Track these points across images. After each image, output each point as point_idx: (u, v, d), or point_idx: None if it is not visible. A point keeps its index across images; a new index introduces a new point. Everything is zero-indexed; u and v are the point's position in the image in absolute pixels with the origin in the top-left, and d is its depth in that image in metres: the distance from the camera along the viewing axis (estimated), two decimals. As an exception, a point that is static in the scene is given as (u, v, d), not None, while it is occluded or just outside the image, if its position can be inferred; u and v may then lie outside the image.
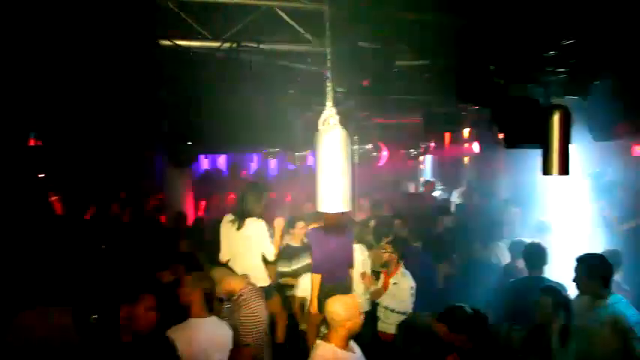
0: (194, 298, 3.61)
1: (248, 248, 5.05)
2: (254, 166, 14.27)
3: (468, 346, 3.27)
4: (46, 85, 6.11)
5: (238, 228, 5.03)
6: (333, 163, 2.85)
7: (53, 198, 10.26)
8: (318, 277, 5.17)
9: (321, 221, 5.36)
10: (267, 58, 4.66)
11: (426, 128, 7.98)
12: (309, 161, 10.36)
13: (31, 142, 6.93)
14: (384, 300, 5.07)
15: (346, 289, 5.01)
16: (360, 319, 3.49)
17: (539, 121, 3.77)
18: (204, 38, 4.10)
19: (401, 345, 4.32)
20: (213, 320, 3.72)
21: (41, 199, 9.27)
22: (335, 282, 5.06)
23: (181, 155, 7.70)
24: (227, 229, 5.10)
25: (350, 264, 5.30)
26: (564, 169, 3.51)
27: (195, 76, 5.69)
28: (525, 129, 4.06)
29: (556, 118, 3.50)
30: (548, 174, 3.50)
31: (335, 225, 5.22)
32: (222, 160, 13.51)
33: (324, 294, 4.96)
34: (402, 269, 5.10)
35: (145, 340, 3.21)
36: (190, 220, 8.31)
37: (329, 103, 2.95)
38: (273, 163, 13.62)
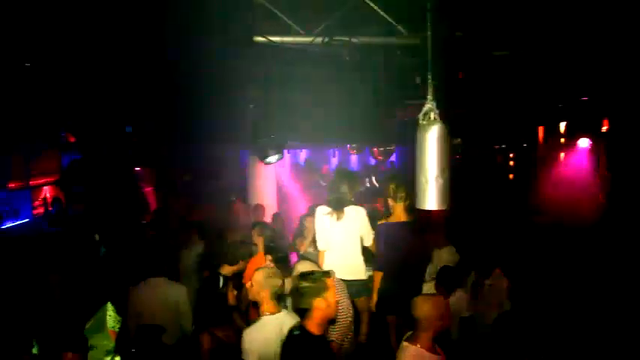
0: (264, 296, 3.63)
1: (349, 239, 4.93)
2: (335, 161, 14.32)
3: None
4: (142, 83, 6.48)
5: (338, 219, 4.91)
6: (434, 159, 2.75)
7: (147, 189, 10.95)
8: (379, 274, 4.94)
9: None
10: (356, 52, 4.59)
11: (517, 121, 7.55)
12: (393, 156, 10.21)
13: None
14: (479, 302, 4.86)
15: (417, 290, 4.76)
16: (447, 321, 3.37)
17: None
18: (296, 33, 4.10)
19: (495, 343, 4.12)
20: (284, 316, 3.71)
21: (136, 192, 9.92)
22: (404, 282, 4.84)
23: (264, 150, 7.83)
24: (324, 222, 4.96)
25: (424, 264, 5.04)
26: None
27: (281, 71, 5.76)
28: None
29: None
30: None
31: (413, 222, 4.96)
32: (303, 155, 13.64)
33: (393, 293, 4.84)
34: (497, 271, 4.88)
35: None
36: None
37: (429, 97, 2.83)
38: (354, 158, 13.59)
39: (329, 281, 3.23)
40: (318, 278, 3.23)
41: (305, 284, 3.20)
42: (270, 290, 3.63)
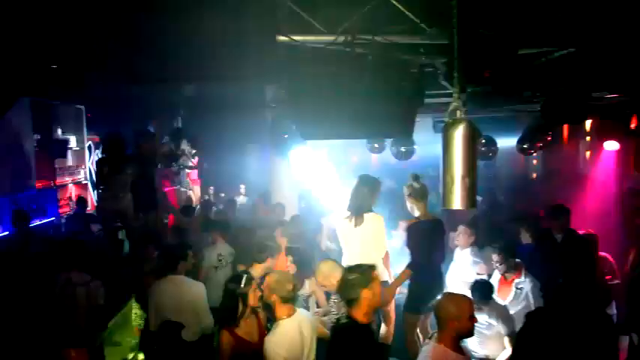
0: (275, 300, 3.67)
1: (368, 245, 4.91)
2: (355, 160, 14.20)
3: None
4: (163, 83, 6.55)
5: (356, 225, 4.91)
6: (460, 158, 2.70)
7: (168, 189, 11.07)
8: (407, 272, 4.94)
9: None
10: (379, 51, 4.53)
11: (543, 119, 7.29)
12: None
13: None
14: (511, 306, 4.76)
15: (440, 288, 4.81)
16: (470, 322, 3.31)
17: None
18: (319, 32, 4.07)
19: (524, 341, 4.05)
20: (300, 316, 3.74)
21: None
22: (431, 281, 4.86)
23: (283, 146, 7.81)
24: (343, 227, 4.99)
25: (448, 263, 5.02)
26: None
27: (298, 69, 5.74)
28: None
29: None
30: None
31: (438, 220, 4.98)
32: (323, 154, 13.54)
33: (420, 291, 4.81)
34: (524, 272, 4.79)
35: None
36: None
37: (455, 95, 2.78)
38: (374, 157, 13.44)
39: (374, 273, 3.45)
40: (365, 270, 3.45)
41: (353, 276, 3.42)
42: (280, 295, 3.66)
